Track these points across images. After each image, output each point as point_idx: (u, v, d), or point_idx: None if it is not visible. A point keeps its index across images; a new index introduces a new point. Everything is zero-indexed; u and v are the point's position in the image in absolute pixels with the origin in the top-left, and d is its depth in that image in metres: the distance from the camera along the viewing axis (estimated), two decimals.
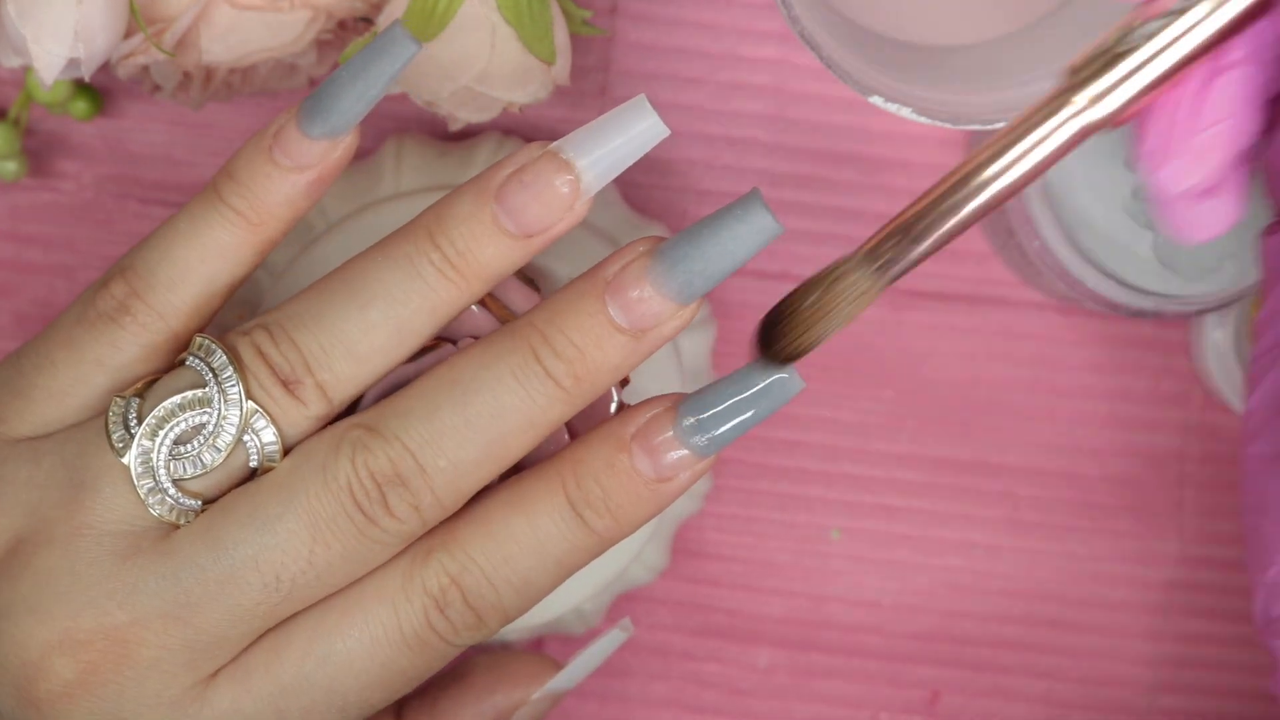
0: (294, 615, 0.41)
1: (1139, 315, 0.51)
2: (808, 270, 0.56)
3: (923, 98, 0.45)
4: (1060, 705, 0.57)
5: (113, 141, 0.55)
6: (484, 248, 0.40)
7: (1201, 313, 0.51)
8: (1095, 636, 0.57)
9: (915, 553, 0.57)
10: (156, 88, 0.51)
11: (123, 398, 0.41)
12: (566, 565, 0.41)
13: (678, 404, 0.41)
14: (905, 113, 0.44)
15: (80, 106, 0.53)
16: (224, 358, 0.40)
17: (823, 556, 0.57)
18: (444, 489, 0.40)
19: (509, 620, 0.41)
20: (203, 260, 0.41)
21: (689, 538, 0.56)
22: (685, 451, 0.40)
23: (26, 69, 0.52)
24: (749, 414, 0.40)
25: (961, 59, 0.49)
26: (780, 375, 0.40)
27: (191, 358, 0.40)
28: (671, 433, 0.41)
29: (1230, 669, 0.57)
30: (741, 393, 0.40)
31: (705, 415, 0.40)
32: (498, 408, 0.40)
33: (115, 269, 0.42)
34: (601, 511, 0.40)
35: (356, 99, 0.41)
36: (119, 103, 0.55)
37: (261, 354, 0.40)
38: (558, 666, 0.48)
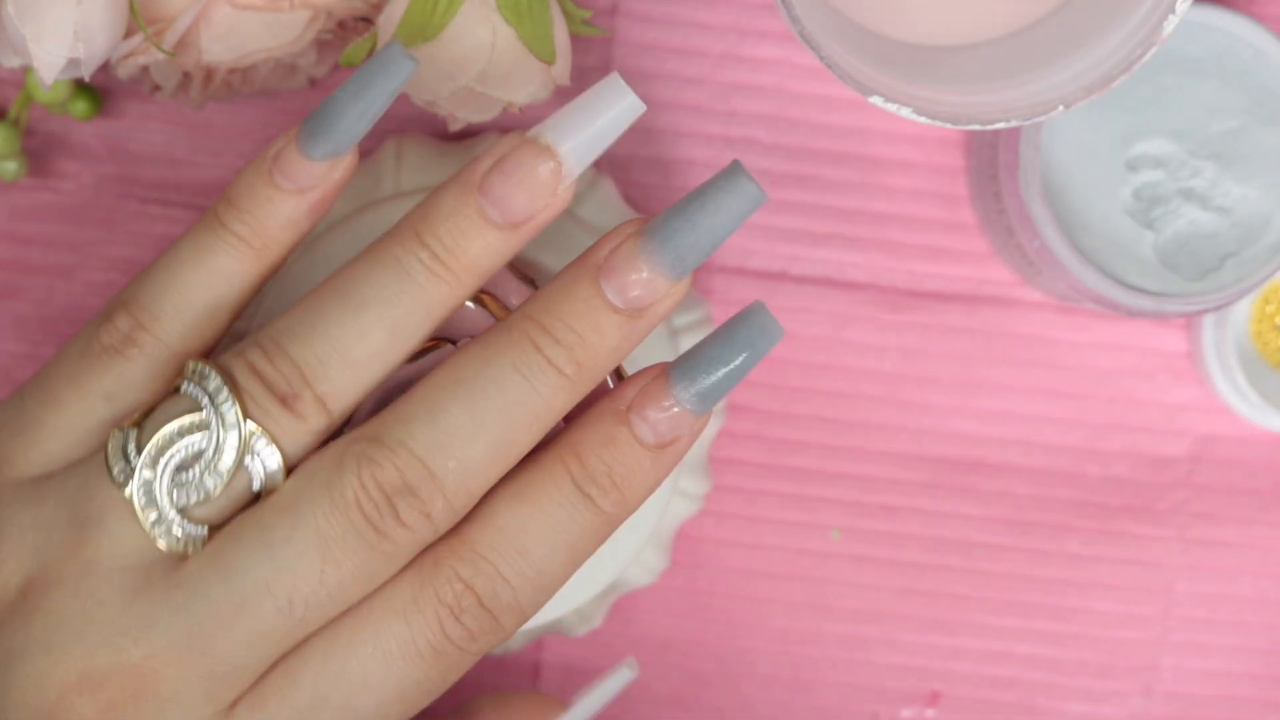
0: (309, 636, 0.40)
1: (1139, 315, 0.51)
2: (808, 270, 0.56)
3: (923, 98, 0.45)
4: (1060, 705, 0.57)
5: (113, 141, 0.55)
6: (471, 241, 0.40)
7: (1201, 313, 0.51)
8: (1094, 637, 0.57)
9: (915, 553, 0.57)
10: (156, 88, 0.51)
11: (120, 429, 0.40)
12: (578, 550, 0.41)
13: (666, 370, 0.41)
14: (905, 113, 0.44)
15: (80, 106, 0.53)
16: (218, 380, 0.40)
17: (823, 556, 0.57)
18: (454, 491, 0.40)
19: (524, 619, 0.41)
20: (207, 287, 0.41)
21: (689, 538, 0.56)
22: (681, 409, 0.41)
23: (26, 69, 0.52)
24: (736, 362, 0.41)
25: (961, 59, 0.49)
26: (761, 324, 0.41)
27: (186, 383, 0.40)
28: (665, 397, 0.41)
29: (1230, 671, 0.57)
30: (725, 344, 0.41)
31: (695, 372, 0.41)
32: (503, 402, 0.40)
33: (117, 301, 0.42)
34: (608, 487, 0.40)
35: (357, 118, 0.41)
36: (119, 103, 0.55)
37: (256, 372, 0.40)
38: (563, 706, 0.48)
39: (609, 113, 0.40)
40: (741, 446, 0.56)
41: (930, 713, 0.57)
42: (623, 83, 0.40)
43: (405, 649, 0.40)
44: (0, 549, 0.40)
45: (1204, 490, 0.57)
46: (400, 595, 0.40)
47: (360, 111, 0.41)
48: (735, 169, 0.40)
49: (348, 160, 0.41)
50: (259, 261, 0.42)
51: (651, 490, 0.41)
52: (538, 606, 0.41)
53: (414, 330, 0.40)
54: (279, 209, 0.41)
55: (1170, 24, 0.44)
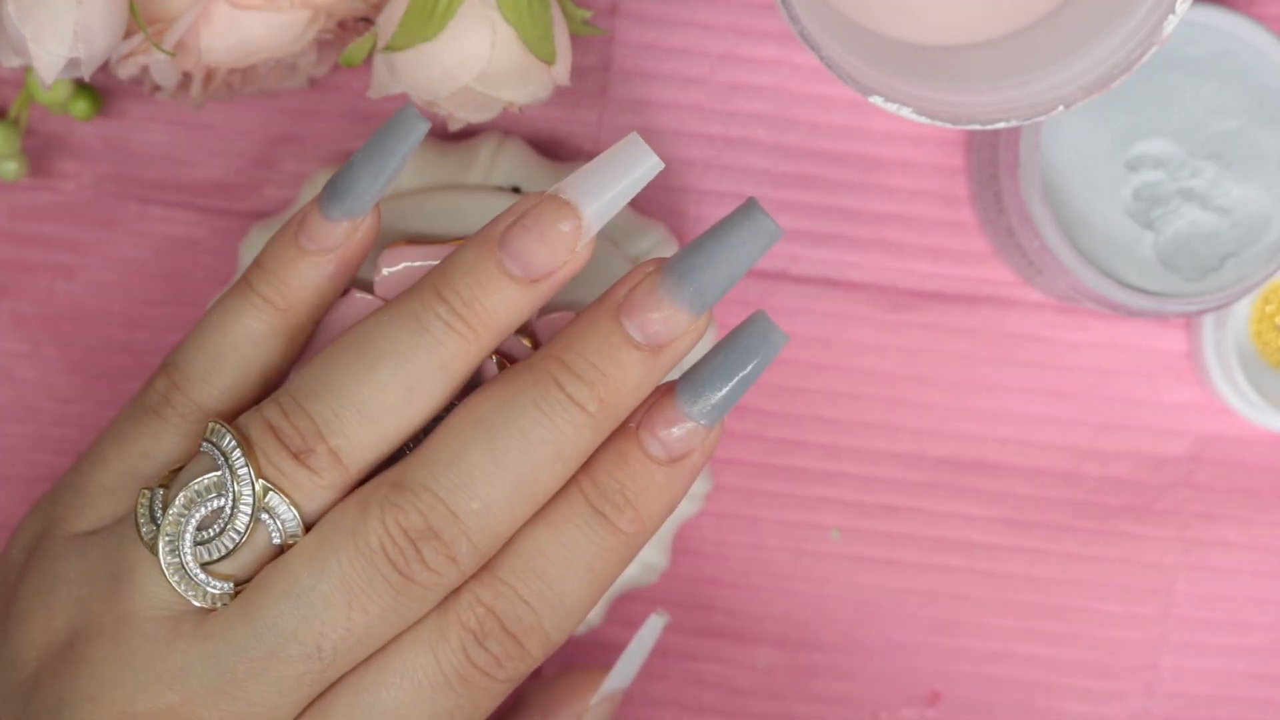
0: (342, 675, 0.41)
1: (1139, 315, 0.51)
2: (808, 270, 0.56)
3: (923, 98, 0.45)
4: (1060, 705, 0.57)
5: (113, 141, 0.55)
6: (490, 295, 0.41)
7: (1201, 313, 0.51)
8: (1094, 637, 0.57)
9: (915, 553, 0.57)
10: (156, 88, 0.51)
11: (149, 489, 0.41)
12: (598, 573, 0.41)
13: (674, 386, 0.41)
14: (905, 113, 0.44)
15: (80, 106, 0.53)
16: (232, 440, 0.40)
17: (823, 556, 0.57)
18: (478, 533, 0.40)
19: (551, 644, 0.41)
20: (235, 348, 0.42)
21: (689, 538, 0.56)
22: (692, 424, 0.41)
23: (26, 69, 0.52)
24: (743, 373, 0.41)
25: (961, 59, 0.49)
26: (764, 333, 0.41)
27: (205, 443, 0.41)
28: (673, 410, 0.41)
29: (1230, 671, 0.57)
30: (730, 356, 0.41)
31: (702, 385, 0.41)
32: (525, 441, 0.40)
33: (160, 366, 0.43)
34: (622, 505, 0.41)
35: (372, 179, 0.42)
36: (119, 103, 0.55)
37: (272, 428, 0.41)
38: (604, 671, 0.49)
39: (631, 175, 0.41)
40: (741, 446, 0.56)
41: (930, 713, 0.57)
42: (643, 143, 0.41)
43: (433, 678, 0.40)
44: (52, 602, 0.42)
45: (1204, 490, 0.57)
46: (427, 626, 0.41)
47: (375, 173, 0.42)
48: (751, 205, 0.40)
49: (367, 223, 0.43)
50: (284, 322, 0.43)
51: (670, 507, 0.41)
52: (563, 630, 0.41)
53: (429, 386, 0.41)
54: (304, 270, 0.42)
55: (1170, 24, 0.44)
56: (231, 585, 0.40)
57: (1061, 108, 0.45)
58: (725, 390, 0.41)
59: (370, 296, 0.45)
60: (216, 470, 0.40)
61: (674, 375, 0.50)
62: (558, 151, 0.55)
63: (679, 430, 0.41)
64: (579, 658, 0.56)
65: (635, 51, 0.55)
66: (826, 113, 0.55)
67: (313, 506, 0.41)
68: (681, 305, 0.41)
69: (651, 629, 0.49)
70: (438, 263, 0.43)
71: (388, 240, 0.46)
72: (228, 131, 0.55)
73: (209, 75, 0.50)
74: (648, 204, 0.55)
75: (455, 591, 0.41)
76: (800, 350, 0.56)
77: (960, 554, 0.57)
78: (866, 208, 0.56)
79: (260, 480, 0.40)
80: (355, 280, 0.45)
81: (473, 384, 0.42)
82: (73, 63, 0.46)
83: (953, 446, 0.56)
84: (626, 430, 0.41)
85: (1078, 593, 0.57)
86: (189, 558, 0.40)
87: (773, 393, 0.56)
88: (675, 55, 0.55)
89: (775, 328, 0.41)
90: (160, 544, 0.40)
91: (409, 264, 0.45)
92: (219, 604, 0.40)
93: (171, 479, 0.42)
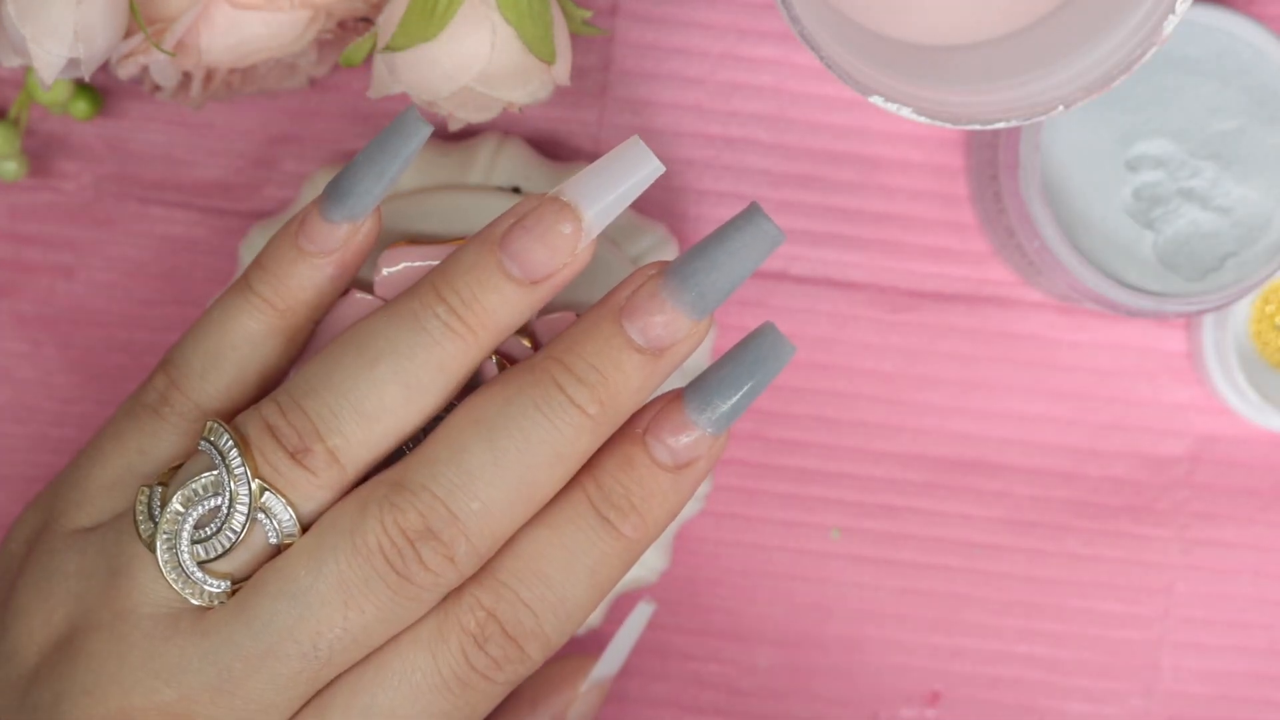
0: (340, 674, 0.41)
1: (1139, 315, 0.51)
2: (808, 270, 0.56)
3: (923, 98, 0.45)
4: (1060, 705, 0.57)
5: (113, 141, 0.55)
6: (489, 295, 0.41)
7: (1201, 313, 0.51)
8: (1094, 637, 0.57)
9: (915, 553, 0.57)
10: (156, 88, 0.51)
11: (147, 487, 0.41)
12: (600, 576, 0.41)
13: (682, 393, 0.41)
14: (905, 113, 0.44)
15: (80, 106, 0.53)
16: (229, 439, 0.40)
17: (823, 556, 0.57)
18: (477, 534, 0.40)
19: (551, 648, 0.41)
20: (233, 347, 0.42)
21: (689, 538, 0.56)
22: (699, 432, 0.41)
23: (26, 69, 0.52)
24: (751, 383, 0.41)
25: (961, 59, 0.49)
26: (772, 344, 0.41)
27: (203, 442, 0.41)
28: (682, 418, 0.41)
29: (1230, 671, 0.57)
30: (739, 366, 0.41)
31: (710, 395, 0.41)
32: (525, 442, 0.40)
33: (159, 364, 0.43)
34: (626, 510, 0.41)
35: (373, 182, 0.42)
36: (119, 103, 0.55)
37: (269, 428, 0.41)
38: (593, 659, 0.49)
39: (632, 179, 0.41)
40: (741, 446, 0.56)
41: (930, 713, 0.57)
42: (645, 147, 0.41)
43: (431, 680, 0.40)
44: (51, 596, 0.42)
45: (1204, 490, 0.57)
46: (426, 628, 0.41)
47: (376, 176, 0.42)
48: (754, 210, 0.41)
49: (368, 225, 0.43)
50: (281, 322, 0.43)
51: (673, 514, 0.42)
52: (564, 634, 0.41)
53: (428, 385, 0.41)
54: (302, 271, 0.42)
55: (1170, 24, 0.44)
56: (228, 584, 0.40)
57: (1061, 108, 0.45)
58: (734, 400, 0.41)
59: (370, 296, 0.45)
60: (213, 469, 0.41)
61: (674, 378, 0.50)
62: (558, 151, 0.55)
63: (686, 438, 0.41)
64: None
65: (635, 51, 0.55)
66: (826, 113, 0.55)
67: (309, 507, 0.41)
68: (683, 309, 0.41)
69: (639, 617, 0.49)
70: (438, 263, 0.43)
71: (388, 240, 0.46)
72: (228, 131, 0.55)
73: (209, 75, 0.50)
74: (647, 204, 0.55)
75: (455, 593, 0.41)
76: (800, 350, 0.56)
77: (960, 554, 0.57)
78: (866, 208, 0.56)
79: (256, 480, 0.40)
80: (355, 280, 0.45)
81: (472, 385, 0.42)
82: (73, 63, 0.46)
83: (953, 446, 0.56)
84: (633, 435, 0.41)
85: (1078, 593, 0.57)
86: (186, 556, 0.40)
87: (773, 393, 0.56)
88: (675, 55, 0.55)
89: (784, 339, 0.41)
90: (158, 542, 0.40)
91: (409, 264, 0.45)
92: (216, 602, 0.41)
93: (170, 477, 0.42)
